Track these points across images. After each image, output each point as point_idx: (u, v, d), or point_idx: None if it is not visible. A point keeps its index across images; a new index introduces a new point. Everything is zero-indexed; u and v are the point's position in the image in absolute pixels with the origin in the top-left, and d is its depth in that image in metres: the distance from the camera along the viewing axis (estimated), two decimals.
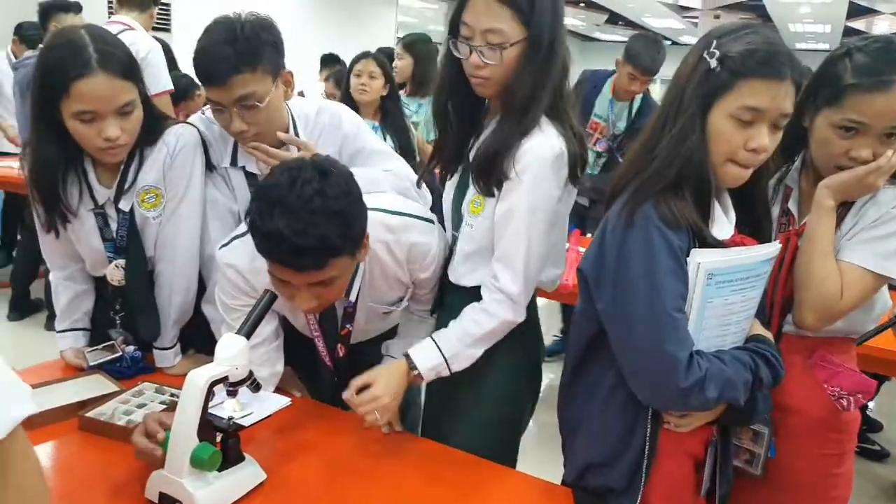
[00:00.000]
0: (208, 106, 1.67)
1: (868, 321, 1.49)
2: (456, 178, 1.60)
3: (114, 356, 1.74)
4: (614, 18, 13.58)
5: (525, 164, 1.40)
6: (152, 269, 1.76)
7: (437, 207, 1.70)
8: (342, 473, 1.40)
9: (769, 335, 1.34)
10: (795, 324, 1.43)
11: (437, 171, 1.69)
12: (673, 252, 1.18)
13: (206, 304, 1.77)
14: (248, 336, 1.29)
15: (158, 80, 3.11)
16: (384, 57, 3.39)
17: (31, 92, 1.55)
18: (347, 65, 3.58)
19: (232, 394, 1.30)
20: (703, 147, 1.21)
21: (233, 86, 1.52)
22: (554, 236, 1.53)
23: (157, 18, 3.68)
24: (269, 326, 1.59)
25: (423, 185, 1.82)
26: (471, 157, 1.51)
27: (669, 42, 6.28)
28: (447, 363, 1.49)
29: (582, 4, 12.46)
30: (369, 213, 1.39)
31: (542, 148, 1.40)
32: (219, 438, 1.27)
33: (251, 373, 1.31)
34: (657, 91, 4.44)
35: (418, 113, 3.83)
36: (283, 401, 1.40)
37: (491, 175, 1.43)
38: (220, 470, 1.24)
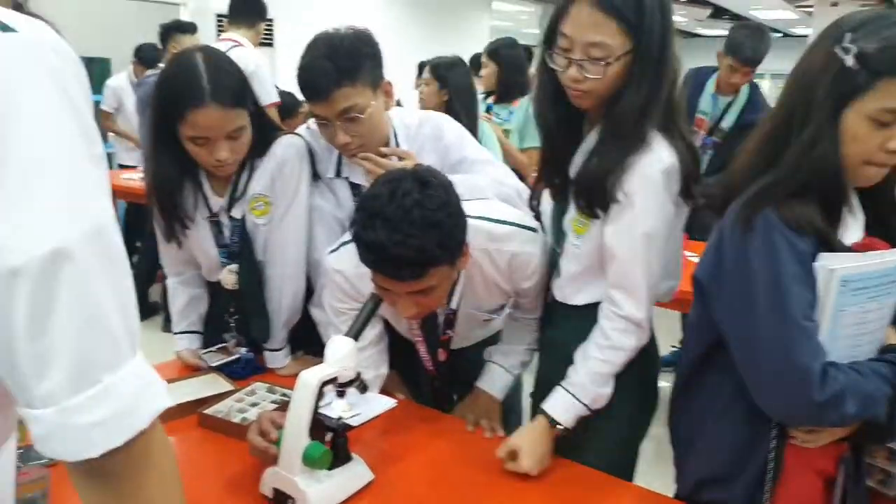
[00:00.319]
0: (313, 119, 1.73)
1: None
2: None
3: (231, 357, 1.83)
4: (719, 12, 12.98)
5: (635, 185, 1.33)
6: (263, 274, 1.83)
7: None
8: (446, 476, 1.41)
9: None
10: None
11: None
12: (799, 257, 1.11)
13: (314, 308, 1.83)
14: (356, 338, 1.33)
15: (265, 93, 3.25)
16: (442, 63, 3.31)
17: (150, 112, 1.66)
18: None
19: (341, 394, 1.34)
20: (836, 151, 1.12)
21: (335, 100, 1.57)
22: (669, 251, 1.46)
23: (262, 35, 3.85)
24: (374, 330, 1.62)
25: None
26: (571, 172, 1.45)
27: (780, 34, 6.00)
28: (588, 408, 1.43)
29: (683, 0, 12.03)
30: (471, 221, 1.40)
31: (652, 167, 1.33)
32: (328, 438, 1.31)
33: (359, 374, 1.34)
34: (767, 87, 4.19)
35: (509, 120, 3.71)
36: (390, 402, 1.42)
37: (595, 198, 1.36)
38: (330, 469, 1.28)
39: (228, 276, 1.79)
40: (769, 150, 1.19)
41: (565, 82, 1.36)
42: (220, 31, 5.52)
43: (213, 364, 1.80)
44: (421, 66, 5.92)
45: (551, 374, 1.51)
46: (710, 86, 3.57)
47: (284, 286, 1.81)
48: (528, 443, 1.41)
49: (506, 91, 3.72)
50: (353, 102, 1.58)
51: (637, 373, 1.46)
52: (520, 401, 1.88)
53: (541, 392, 1.55)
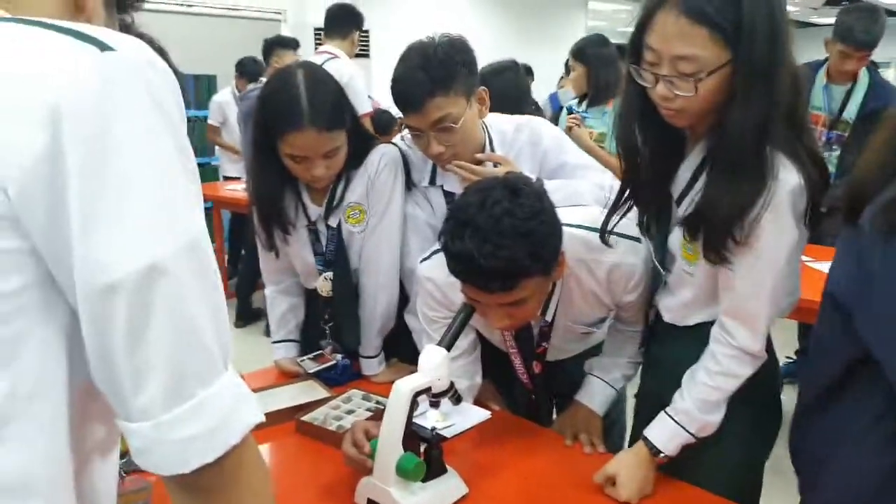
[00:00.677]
0: (407, 131, 1.73)
1: None
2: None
3: (329, 364, 1.85)
4: None
5: (762, 222, 1.18)
6: (358, 282, 1.84)
7: None
8: (542, 492, 1.37)
9: None
10: None
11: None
12: None
13: (409, 315, 1.83)
14: (448, 347, 1.31)
15: (358, 104, 3.30)
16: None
17: (252, 127, 1.71)
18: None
19: (435, 405, 1.32)
20: None
21: (428, 110, 1.55)
22: (792, 269, 1.31)
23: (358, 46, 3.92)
24: (467, 339, 1.59)
25: None
26: (674, 191, 1.33)
27: None
28: (694, 436, 1.33)
29: None
30: (568, 229, 1.34)
31: (778, 195, 1.17)
32: (422, 449, 1.29)
33: (452, 384, 1.32)
34: (893, 76, 3.82)
35: (602, 121, 3.54)
36: (484, 414, 1.40)
37: (716, 243, 1.21)
38: (424, 481, 1.26)
39: (324, 284, 1.82)
40: None
41: (656, 100, 1.22)
42: (317, 43, 5.66)
43: (311, 371, 1.83)
44: None
45: (656, 392, 1.43)
46: (821, 77, 3.32)
47: (378, 294, 1.82)
48: (627, 470, 1.33)
49: (597, 93, 3.55)
50: (447, 112, 1.57)
51: (757, 386, 1.34)
52: (624, 412, 1.81)
53: (643, 411, 1.47)
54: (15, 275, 0.55)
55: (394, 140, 1.86)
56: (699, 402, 1.31)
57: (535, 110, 3.36)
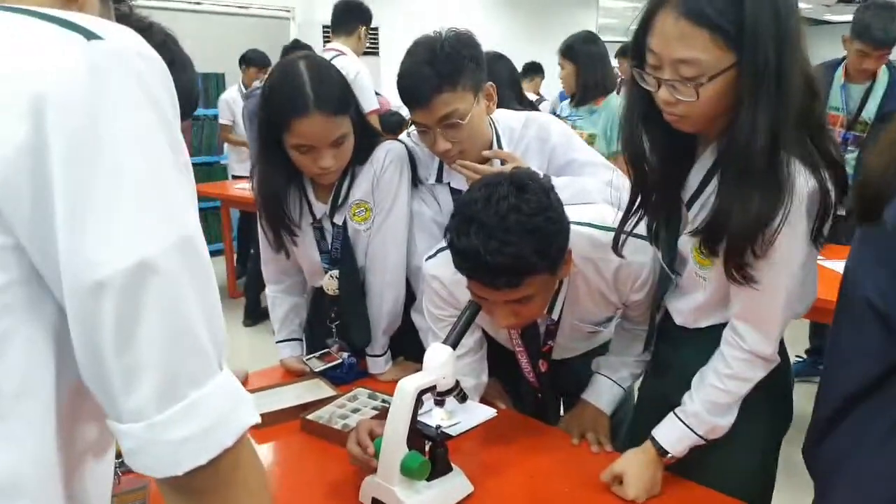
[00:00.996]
0: (413, 127, 1.71)
1: None
2: None
3: (335, 363, 1.84)
4: None
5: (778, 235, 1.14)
6: (364, 280, 1.83)
7: None
8: (548, 491, 1.36)
9: None
10: None
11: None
12: None
13: (415, 314, 1.81)
14: (454, 346, 1.29)
15: (365, 101, 3.29)
16: None
17: (258, 122, 1.69)
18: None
19: (440, 403, 1.31)
20: None
21: (435, 106, 1.54)
22: (807, 272, 1.27)
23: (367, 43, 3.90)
24: (473, 337, 1.58)
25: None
26: (684, 196, 1.29)
27: None
28: (703, 438, 1.31)
29: None
30: (575, 227, 1.33)
31: (793, 202, 1.12)
32: (427, 447, 1.28)
33: (457, 382, 1.30)
34: None
35: (590, 121, 3.43)
36: (490, 412, 1.38)
37: (733, 258, 1.17)
38: (429, 479, 1.25)
39: (330, 282, 1.81)
40: None
41: (659, 104, 1.18)
42: (326, 40, 5.66)
43: (317, 370, 1.82)
44: (524, 70, 5.86)
45: (661, 393, 1.42)
46: (839, 76, 3.25)
47: (385, 292, 1.81)
48: (635, 470, 1.31)
49: (585, 91, 3.45)
50: (454, 108, 1.55)
51: (769, 387, 1.31)
52: (631, 412, 1.79)
53: (646, 411, 1.45)
54: None
55: (400, 136, 1.85)
56: (709, 404, 1.29)
57: (528, 107, 3.30)
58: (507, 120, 1.75)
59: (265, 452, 1.50)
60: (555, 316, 1.52)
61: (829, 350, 1.25)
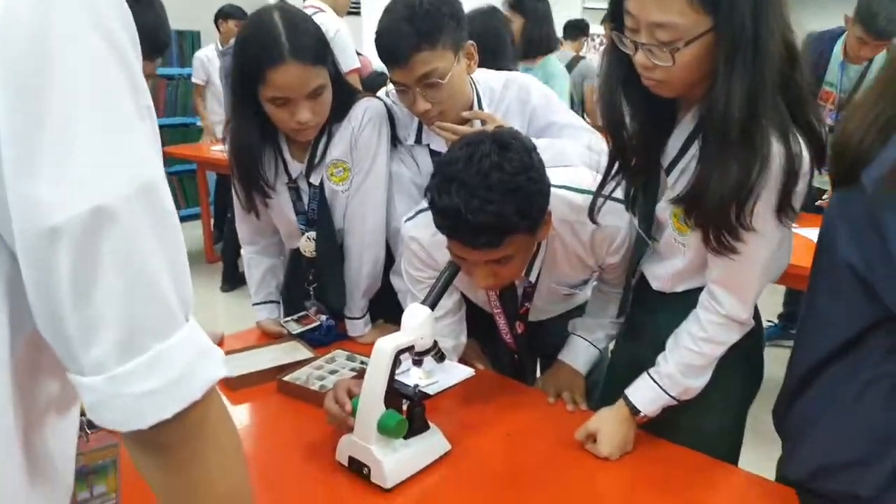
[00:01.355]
0: (391, 86, 1.67)
1: None
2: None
3: (313, 325, 1.83)
4: None
5: (758, 208, 1.13)
6: (342, 242, 1.81)
7: None
8: (525, 449, 1.37)
9: None
10: None
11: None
12: None
13: (394, 276, 1.80)
14: (432, 307, 1.29)
15: (345, 60, 3.23)
16: None
17: (231, 77, 1.65)
18: None
19: (418, 363, 1.32)
20: None
21: (414, 64, 1.51)
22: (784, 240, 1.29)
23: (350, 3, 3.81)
24: (451, 298, 1.58)
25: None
26: (664, 162, 1.28)
27: None
28: (676, 399, 1.32)
29: None
30: (553, 190, 1.32)
31: (770, 171, 1.11)
32: (405, 406, 1.29)
33: (436, 343, 1.31)
34: None
35: None
36: (467, 371, 1.39)
37: (713, 227, 1.16)
38: (406, 438, 1.25)
39: (307, 244, 1.79)
40: None
41: (638, 69, 1.16)
42: None
43: (294, 332, 1.81)
44: None
45: (633, 355, 1.43)
46: (838, 52, 3.14)
47: (364, 254, 1.79)
48: (608, 428, 1.33)
49: (528, 48, 3.32)
50: (433, 67, 1.52)
51: (741, 350, 1.33)
52: (605, 375, 1.81)
53: (618, 372, 1.47)
54: None
55: (379, 94, 1.82)
56: (683, 366, 1.30)
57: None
58: (487, 80, 1.72)
59: (241, 414, 1.50)
60: (532, 278, 1.52)
61: (804, 314, 1.26)
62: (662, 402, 1.33)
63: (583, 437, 1.34)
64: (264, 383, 1.57)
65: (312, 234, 1.78)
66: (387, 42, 1.53)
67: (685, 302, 1.34)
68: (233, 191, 1.78)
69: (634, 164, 1.32)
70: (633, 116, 1.28)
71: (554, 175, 1.35)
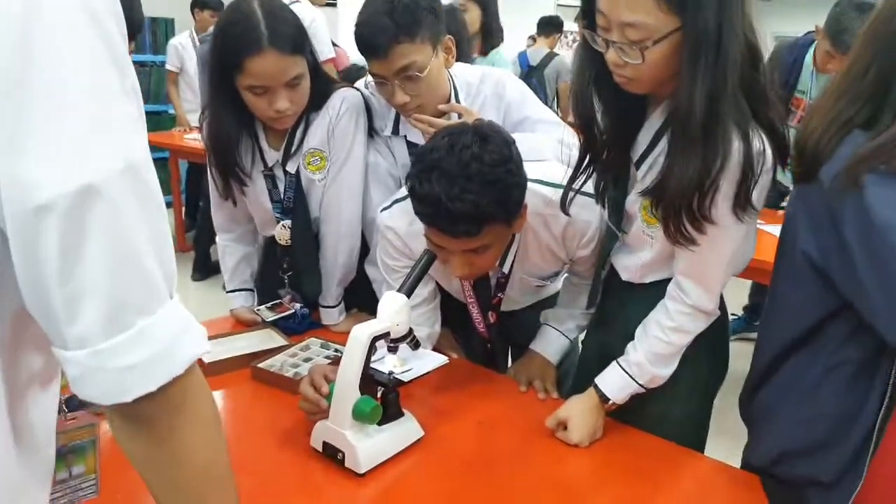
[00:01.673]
0: (370, 78, 1.68)
1: None
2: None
3: (287, 313, 1.83)
4: None
5: (718, 201, 1.17)
6: (318, 231, 1.82)
7: None
8: (497, 436, 1.39)
9: None
10: None
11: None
12: None
13: (369, 265, 1.82)
14: (408, 294, 1.31)
15: (321, 50, 3.22)
16: None
17: (209, 64, 1.64)
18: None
19: (393, 350, 1.33)
20: None
21: (393, 57, 1.52)
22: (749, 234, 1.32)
23: None
24: (427, 287, 1.60)
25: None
26: (633, 155, 1.31)
27: None
28: (644, 387, 1.36)
29: None
30: (528, 184, 1.34)
31: (731, 168, 1.15)
32: (379, 393, 1.30)
33: (411, 330, 1.32)
34: None
35: None
36: (441, 359, 1.40)
37: (677, 221, 1.19)
38: (380, 424, 1.27)
39: (282, 232, 1.79)
40: (859, 108, 1.07)
41: (609, 66, 1.19)
42: None
43: (269, 319, 1.81)
44: None
45: (602, 345, 1.46)
46: (809, 61, 3.14)
47: (339, 244, 1.80)
48: (578, 415, 1.36)
49: (486, 39, 3.33)
50: (412, 60, 1.53)
51: (707, 340, 1.37)
52: (576, 365, 1.84)
53: (588, 362, 1.50)
54: None
55: (357, 85, 1.82)
56: (651, 355, 1.34)
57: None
58: (464, 74, 1.74)
59: (215, 400, 1.49)
60: (505, 269, 1.54)
61: (768, 303, 1.31)
62: (631, 389, 1.36)
63: (553, 424, 1.37)
64: (238, 370, 1.57)
65: (288, 222, 1.78)
66: (366, 34, 1.54)
67: (653, 293, 1.37)
68: (209, 178, 1.78)
69: (605, 158, 1.35)
70: (604, 112, 1.31)
71: (528, 169, 1.37)
